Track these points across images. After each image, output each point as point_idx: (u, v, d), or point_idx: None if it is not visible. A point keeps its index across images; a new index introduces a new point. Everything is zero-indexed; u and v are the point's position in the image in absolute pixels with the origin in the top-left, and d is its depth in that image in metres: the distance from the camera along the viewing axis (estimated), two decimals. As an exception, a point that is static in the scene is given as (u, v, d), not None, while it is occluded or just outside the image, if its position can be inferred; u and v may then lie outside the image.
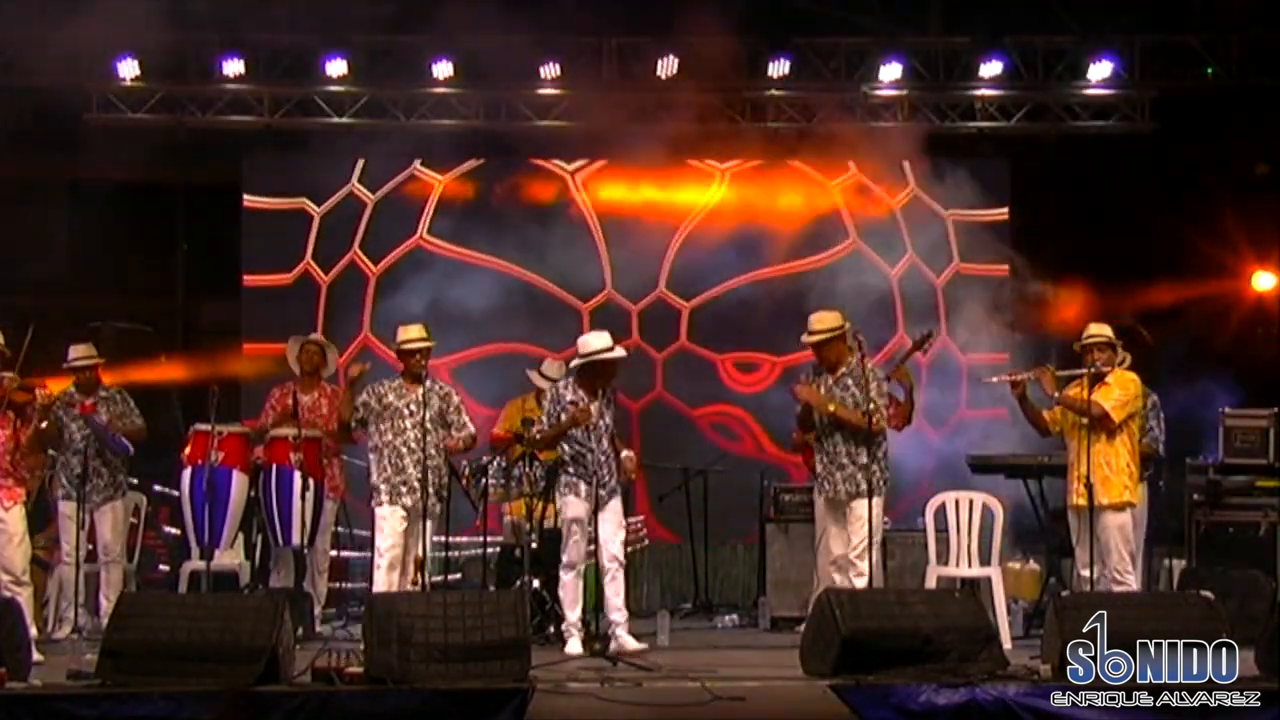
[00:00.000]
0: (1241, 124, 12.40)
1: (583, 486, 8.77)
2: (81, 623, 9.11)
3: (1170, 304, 12.30)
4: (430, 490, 8.91)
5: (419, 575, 8.77)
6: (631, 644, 8.70)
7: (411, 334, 9.12)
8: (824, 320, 8.89)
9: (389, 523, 8.87)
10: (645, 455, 10.78)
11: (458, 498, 9.59)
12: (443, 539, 9.73)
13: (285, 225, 12.85)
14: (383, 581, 8.78)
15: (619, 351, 8.94)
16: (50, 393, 8.62)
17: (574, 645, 8.67)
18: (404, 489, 8.87)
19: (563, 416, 8.75)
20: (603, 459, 8.78)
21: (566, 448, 8.80)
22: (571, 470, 8.79)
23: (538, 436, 8.95)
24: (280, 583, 9.68)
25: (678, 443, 12.45)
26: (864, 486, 8.56)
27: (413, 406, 8.90)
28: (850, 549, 8.64)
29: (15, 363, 8.61)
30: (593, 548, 8.86)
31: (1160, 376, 9.92)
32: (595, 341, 8.92)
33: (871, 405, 8.60)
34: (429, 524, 9.00)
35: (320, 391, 10.04)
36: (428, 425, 8.90)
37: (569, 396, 8.82)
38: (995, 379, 9.34)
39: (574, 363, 8.93)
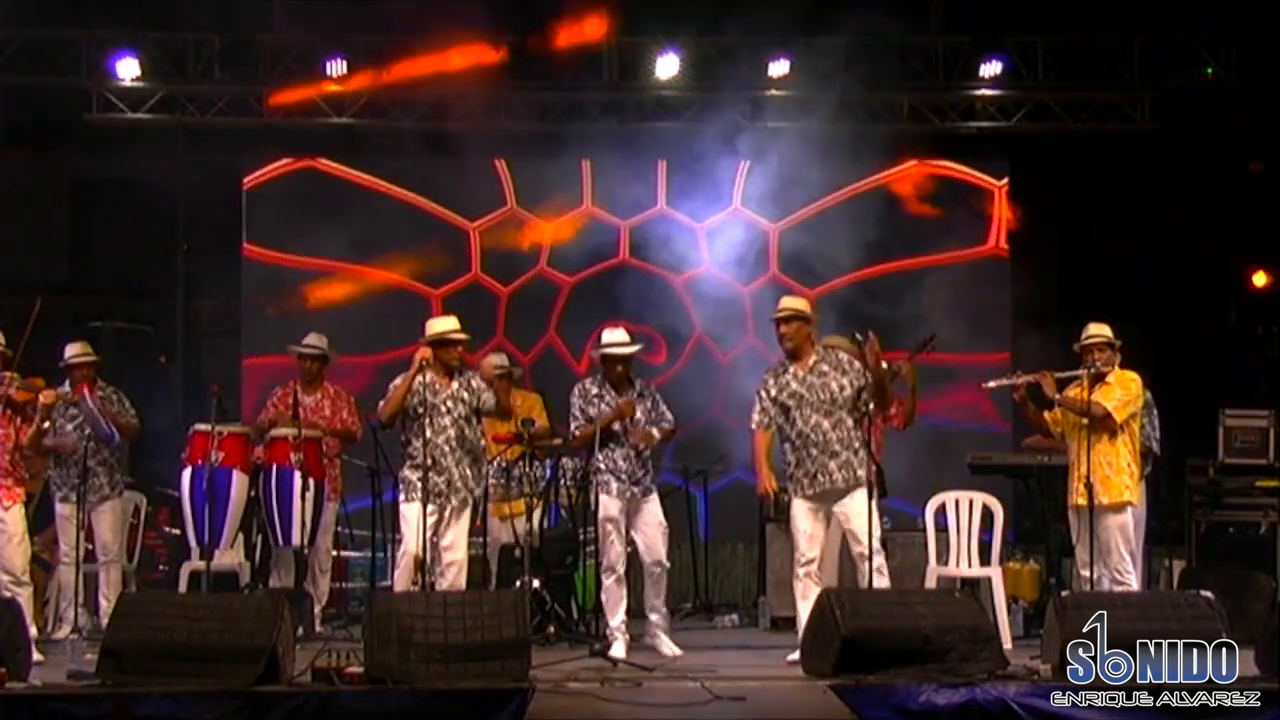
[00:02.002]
0: (1241, 123, 12.40)
1: (614, 484, 8.73)
2: (81, 623, 9.11)
3: (1169, 302, 12.31)
4: (467, 489, 8.73)
5: (419, 575, 8.73)
6: (670, 649, 8.62)
7: (449, 324, 8.80)
8: (793, 301, 8.85)
9: (413, 523, 8.55)
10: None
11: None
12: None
13: (285, 223, 12.89)
14: (401, 577, 8.61)
15: (631, 347, 8.93)
16: (53, 393, 8.61)
17: (619, 649, 8.52)
18: (446, 488, 8.58)
19: (592, 412, 8.73)
20: (633, 455, 8.76)
21: (597, 444, 8.71)
22: (602, 466, 8.72)
23: (576, 434, 8.81)
24: (280, 583, 9.67)
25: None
26: (861, 474, 8.34)
27: (449, 403, 8.67)
28: (859, 545, 8.33)
29: (18, 350, 8.60)
30: (630, 549, 8.87)
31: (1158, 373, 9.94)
32: (611, 336, 8.94)
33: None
34: (464, 523, 8.80)
35: (323, 393, 10.03)
36: (463, 424, 8.68)
37: (594, 391, 8.82)
38: (995, 383, 9.32)
39: (595, 354, 8.97)
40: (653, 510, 8.86)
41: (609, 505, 8.71)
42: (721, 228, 13.00)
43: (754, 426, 8.73)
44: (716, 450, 11.60)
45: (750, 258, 12.89)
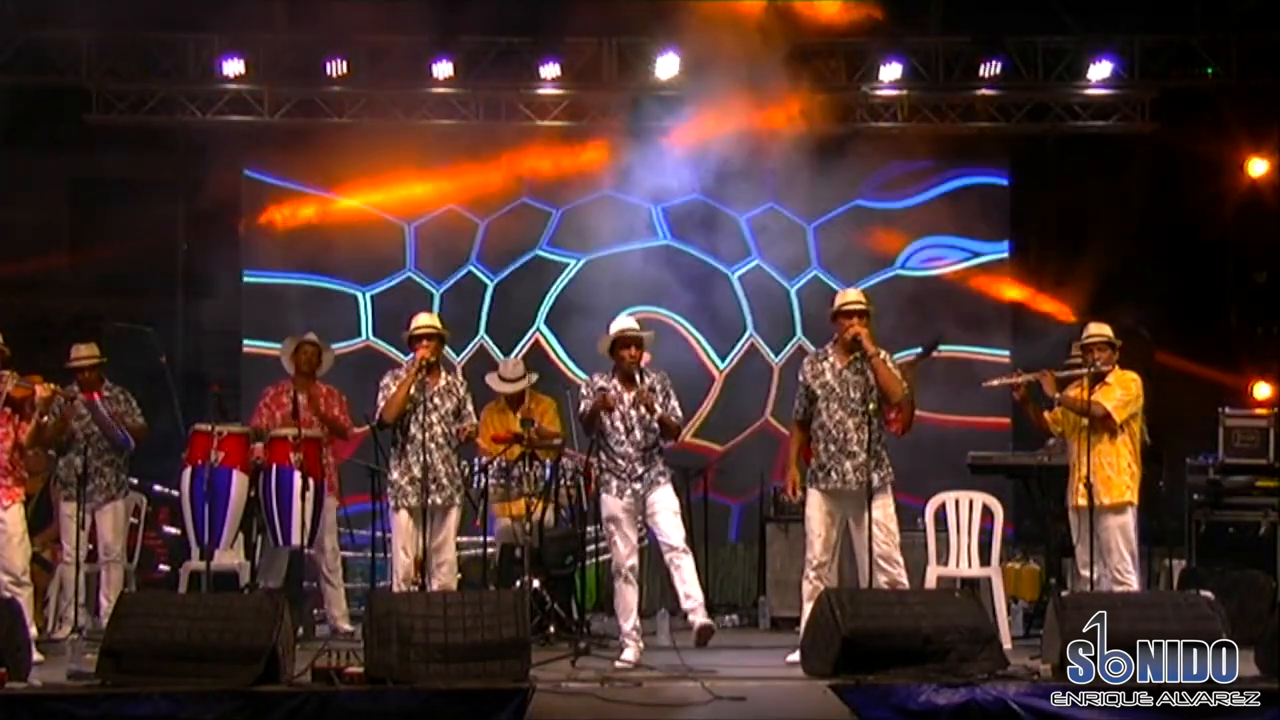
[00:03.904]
0: (1241, 124, 12.39)
1: (614, 483, 8.54)
2: (81, 623, 9.11)
3: (1169, 302, 12.30)
4: (453, 486, 8.79)
5: (418, 575, 8.75)
6: (702, 620, 8.43)
7: (422, 320, 8.93)
8: (860, 294, 8.68)
9: (406, 532, 8.65)
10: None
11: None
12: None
13: (285, 225, 12.91)
14: (400, 587, 8.63)
15: (625, 324, 8.66)
16: (49, 386, 8.60)
17: (629, 654, 8.40)
18: (433, 487, 8.62)
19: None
20: (632, 451, 8.52)
21: (599, 441, 8.59)
22: (603, 464, 8.58)
23: (584, 410, 8.66)
24: (269, 583, 9.64)
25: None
26: (875, 479, 8.28)
27: (436, 400, 8.75)
28: (878, 547, 8.24)
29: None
30: (644, 544, 8.70)
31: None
32: (617, 323, 8.74)
33: (903, 385, 8.49)
34: (452, 521, 8.83)
35: (315, 391, 10.02)
36: (448, 420, 8.77)
37: (600, 384, 8.63)
38: (996, 382, 9.31)
39: (603, 344, 8.76)
40: (662, 499, 8.56)
41: (610, 504, 8.56)
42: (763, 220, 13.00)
43: (794, 417, 8.76)
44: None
45: (793, 253, 12.91)
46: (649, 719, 7.07)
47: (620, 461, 8.55)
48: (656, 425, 8.58)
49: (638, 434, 8.56)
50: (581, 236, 12.88)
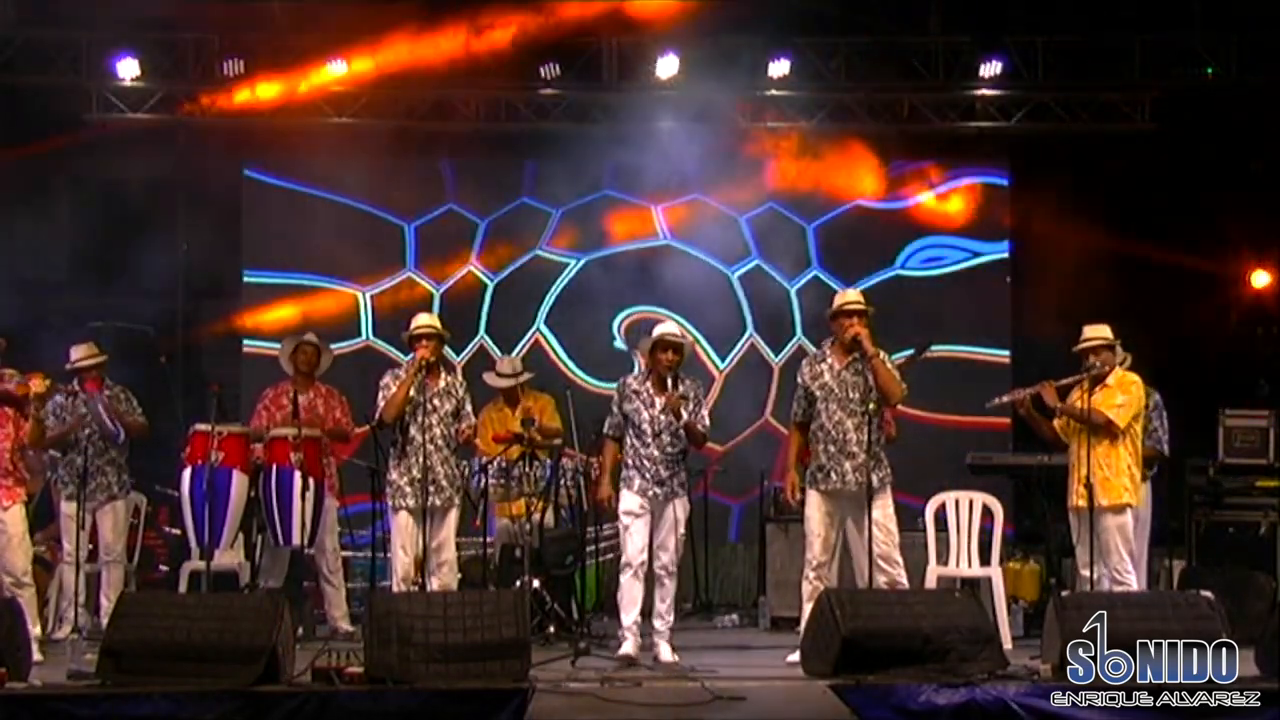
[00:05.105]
0: (1241, 123, 12.39)
1: (636, 481, 8.53)
2: (81, 623, 9.11)
3: (1169, 302, 12.30)
4: (452, 487, 8.81)
5: (418, 575, 8.75)
6: (667, 655, 8.47)
7: (422, 320, 8.95)
8: (858, 294, 8.69)
9: (406, 532, 8.68)
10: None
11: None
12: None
13: (286, 225, 12.92)
14: (399, 587, 8.65)
15: (667, 329, 8.68)
16: (48, 382, 8.59)
17: (628, 647, 8.43)
18: (432, 489, 8.63)
19: (627, 408, 8.58)
20: (658, 454, 8.52)
21: (626, 443, 8.63)
22: (630, 463, 8.59)
23: (608, 433, 8.72)
24: (269, 583, 9.64)
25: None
26: (874, 480, 8.28)
27: (436, 401, 8.77)
28: (878, 547, 8.25)
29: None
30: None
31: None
32: (659, 327, 8.76)
33: (902, 386, 8.47)
34: (451, 521, 8.85)
35: (315, 391, 10.03)
36: (448, 421, 8.79)
37: (634, 387, 8.64)
38: (998, 402, 9.27)
39: (643, 345, 8.75)
40: (673, 515, 8.57)
41: (629, 500, 8.55)
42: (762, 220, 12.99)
43: (793, 419, 8.76)
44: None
45: (793, 253, 12.91)
46: (649, 719, 7.07)
47: (646, 463, 8.55)
48: (684, 432, 8.59)
49: (665, 438, 8.54)
50: (581, 236, 12.90)
